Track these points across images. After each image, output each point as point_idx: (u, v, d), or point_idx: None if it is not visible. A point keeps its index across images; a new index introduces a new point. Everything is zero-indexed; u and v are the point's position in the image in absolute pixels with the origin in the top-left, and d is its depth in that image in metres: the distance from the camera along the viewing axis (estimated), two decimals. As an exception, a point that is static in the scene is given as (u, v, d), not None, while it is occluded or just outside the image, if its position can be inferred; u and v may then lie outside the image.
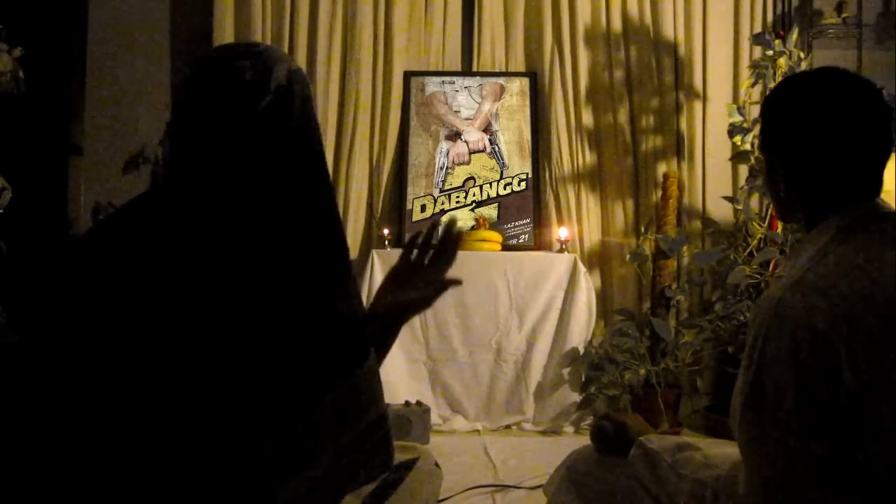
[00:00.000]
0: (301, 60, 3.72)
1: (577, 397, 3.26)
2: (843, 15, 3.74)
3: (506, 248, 3.55)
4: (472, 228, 3.61)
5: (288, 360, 1.05)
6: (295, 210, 1.11)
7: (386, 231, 3.58)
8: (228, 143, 1.10)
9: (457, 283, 1.29)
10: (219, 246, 1.08)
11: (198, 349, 1.03)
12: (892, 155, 1.18)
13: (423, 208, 3.69)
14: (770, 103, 1.22)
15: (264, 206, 1.10)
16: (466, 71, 3.86)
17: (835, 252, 1.09)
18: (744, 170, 3.55)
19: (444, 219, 1.34)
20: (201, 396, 1.02)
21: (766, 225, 3.36)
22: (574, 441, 2.95)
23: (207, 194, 1.10)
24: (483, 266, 3.38)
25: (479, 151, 3.76)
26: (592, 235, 3.77)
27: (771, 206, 3.38)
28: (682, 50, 3.81)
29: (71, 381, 1.05)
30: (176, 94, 1.14)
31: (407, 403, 3.04)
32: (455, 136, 3.77)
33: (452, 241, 1.29)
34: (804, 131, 1.15)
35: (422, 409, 3.02)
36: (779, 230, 3.27)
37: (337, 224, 1.17)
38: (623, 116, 3.79)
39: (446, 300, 3.34)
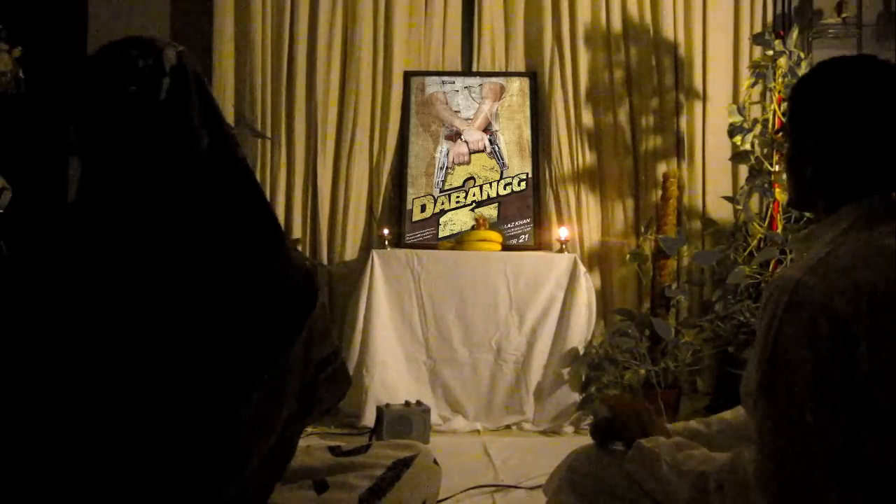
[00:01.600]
0: (301, 60, 3.72)
1: (577, 397, 3.26)
2: (843, 15, 3.73)
3: (506, 248, 3.55)
4: (473, 228, 3.61)
5: (246, 326, 1.10)
6: (212, 181, 1.15)
7: (386, 231, 3.58)
8: (141, 130, 1.13)
9: None
10: (156, 230, 1.11)
11: (154, 337, 1.07)
12: None
13: (423, 208, 3.69)
14: (807, 85, 1.22)
15: (182, 183, 1.13)
16: (466, 71, 3.86)
17: (855, 237, 1.10)
18: (744, 170, 3.55)
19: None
20: (169, 379, 1.06)
21: (766, 225, 3.36)
22: (574, 441, 2.95)
23: (133, 182, 1.13)
24: (483, 266, 3.38)
25: (479, 151, 3.76)
26: (592, 235, 3.76)
27: (771, 205, 3.38)
28: (682, 50, 3.81)
29: (26, 375, 1.08)
30: (74, 94, 1.15)
31: (407, 403, 3.04)
32: (455, 136, 3.77)
33: None
34: (842, 113, 1.16)
35: (422, 409, 3.02)
36: (779, 230, 3.27)
37: (254, 186, 1.22)
38: (623, 116, 3.79)
39: (446, 300, 3.35)
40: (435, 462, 1.48)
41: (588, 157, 3.78)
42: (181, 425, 1.06)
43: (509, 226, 3.68)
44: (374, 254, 3.39)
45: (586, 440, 1.53)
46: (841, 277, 1.03)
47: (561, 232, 3.56)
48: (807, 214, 3.15)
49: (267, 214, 1.20)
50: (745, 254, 3.30)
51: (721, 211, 3.71)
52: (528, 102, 3.79)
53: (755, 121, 3.35)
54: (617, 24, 3.79)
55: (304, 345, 1.15)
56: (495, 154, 3.76)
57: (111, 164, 1.15)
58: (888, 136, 1.15)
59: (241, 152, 1.24)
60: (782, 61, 3.34)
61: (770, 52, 3.38)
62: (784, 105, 3.33)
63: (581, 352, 3.30)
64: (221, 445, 1.07)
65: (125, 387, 1.06)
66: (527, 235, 3.68)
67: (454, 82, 3.81)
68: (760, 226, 3.36)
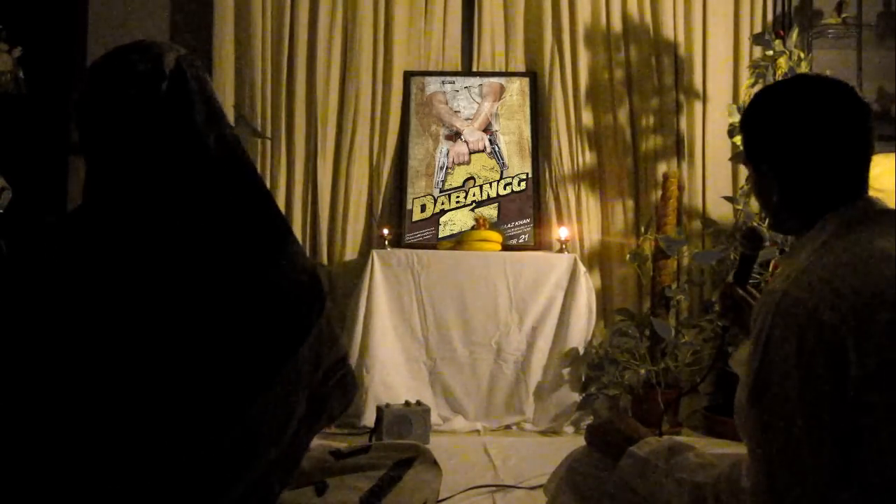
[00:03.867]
0: (301, 60, 3.72)
1: (577, 397, 3.26)
2: (843, 15, 3.74)
3: (506, 248, 3.55)
4: (473, 228, 3.61)
5: (256, 326, 1.10)
6: (218, 182, 1.16)
7: (386, 231, 3.58)
8: (142, 133, 1.14)
9: None
10: (163, 233, 1.12)
11: (165, 337, 1.07)
12: (894, 156, 1.19)
13: (423, 208, 3.69)
14: (751, 113, 1.24)
15: (194, 185, 1.14)
16: (466, 71, 3.86)
17: (837, 246, 1.10)
18: (744, 170, 3.54)
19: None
20: (180, 378, 1.06)
21: (765, 225, 3.36)
22: (574, 441, 2.94)
23: (137, 186, 1.14)
24: (483, 266, 3.38)
25: (479, 151, 3.76)
26: (592, 235, 3.76)
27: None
28: (682, 50, 3.81)
29: (34, 376, 1.09)
30: (77, 100, 1.17)
31: (407, 403, 3.04)
32: (455, 136, 3.77)
33: None
34: (791, 137, 1.17)
35: (422, 409, 3.02)
36: (779, 230, 3.27)
37: (260, 187, 1.23)
38: (623, 116, 3.79)
39: (446, 300, 3.35)
40: (435, 463, 1.48)
41: (588, 157, 3.78)
42: (187, 426, 1.06)
43: (509, 226, 3.68)
44: (374, 254, 3.39)
45: (586, 440, 1.54)
46: (825, 286, 1.03)
47: (561, 232, 3.56)
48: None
49: (273, 216, 1.21)
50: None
51: (721, 211, 3.71)
52: (528, 102, 3.79)
53: (755, 121, 3.34)
54: (617, 24, 3.79)
55: (313, 349, 1.16)
56: (495, 154, 3.76)
57: (114, 167, 1.16)
58: (842, 147, 1.16)
59: (246, 155, 1.24)
60: (782, 61, 3.34)
61: (770, 52, 3.38)
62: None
63: (581, 352, 3.30)
64: (228, 446, 1.07)
65: (131, 388, 1.06)
66: (527, 235, 3.68)
67: (454, 82, 3.81)
68: (760, 226, 3.35)
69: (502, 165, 3.75)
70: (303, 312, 1.16)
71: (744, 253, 1.58)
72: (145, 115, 1.14)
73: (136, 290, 1.09)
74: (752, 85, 3.49)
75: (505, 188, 3.72)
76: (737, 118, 3.32)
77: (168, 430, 1.06)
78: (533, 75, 3.83)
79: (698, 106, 3.79)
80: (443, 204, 3.70)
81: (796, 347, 1.01)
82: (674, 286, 3.45)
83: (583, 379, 3.25)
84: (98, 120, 1.17)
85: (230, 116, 3.49)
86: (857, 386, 0.99)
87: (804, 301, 1.03)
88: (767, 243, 1.57)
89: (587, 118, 3.78)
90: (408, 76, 3.79)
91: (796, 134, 1.16)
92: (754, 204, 3.58)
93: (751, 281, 3.20)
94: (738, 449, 1.24)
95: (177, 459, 1.05)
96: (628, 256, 3.56)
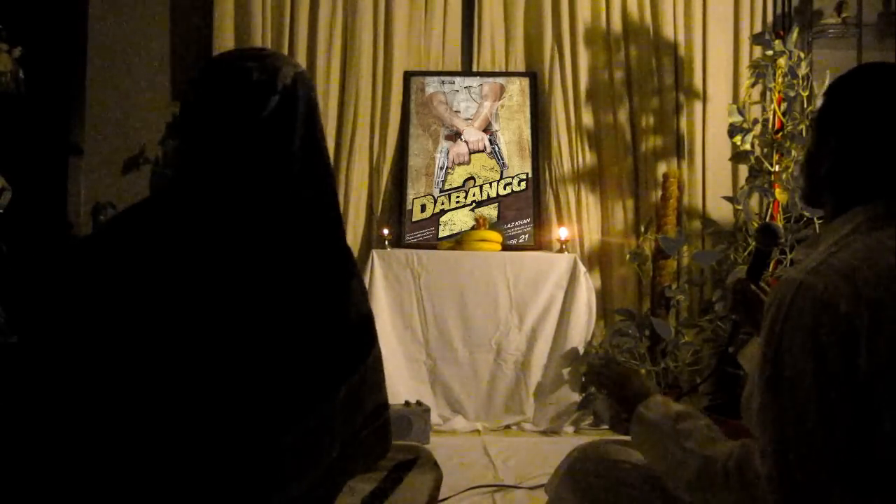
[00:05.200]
0: (301, 60, 3.72)
1: (577, 397, 3.27)
2: (843, 15, 3.74)
3: (506, 248, 3.55)
4: (473, 228, 3.61)
5: (303, 358, 1.08)
6: (302, 213, 1.13)
7: (386, 231, 3.58)
8: (238, 143, 1.12)
9: None
10: (231, 248, 1.09)
11: (213, 352, 1.05)
12: None
13: (423, 208, 3.69)
14: (842, 83, 1.23)
15: (272, 208, 1.12)
16: (466, 71, 3.86)
17: (859, 240, 1.10)
18: (744, 170, 3.55)
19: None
20: (218, 395, 1.04)
21: (768, 219, 3.36)
22: (574, 441, 2.94)
23: (217, 195, 1.12)
24: (483, 266, 3.39)
25: (479, 151, 3.77)
26: (592, 235, 3.77)
27: (771, 205, 3.38)
28: (682, 50, 3.81)
29: (75, 380, 1.06)
30: (185, 95, 1.15)
31: (407, 403, 3.04)
32: (455, 136, 3.77)
33: None
34: (868, 116, 1.16)
35: (422, 409, 3.02)
36: (779, 230, 3.27)
37: (339, 224, 1.21)
38: (623, 116, 3.79)
39: (446, 300, 3.35)
40: (436, 465, 1.48)
41: (588, 157, 3.79)
42: (216, 444, 1.04)
43: (509, 226, 3.68)
44: (375, 254, 3.39)
45: (586, 440, 1.54)
46: (842, 278, 1.04)
47: (561, 232, 3.57)
48: (806, 215, 3.15)
49: (341, 253, 1.19)
50: (745, 254, 3.30)
51: (721, 211, 3.72)
52: (528, 102, 3.79)
53: (755, 121, 3.35)
54: (617, 24, 3.79)
55: (354, 392, 1.13)
56: (495, 154, 3.76)
57: (203, 168, 1.13)
58: None
59: (332, 186, 1.22)
60: (782, 61, 3.34)
61: (770, 52, 3.38)
62: (784, 105, 3.34)
63: (581, 352, 3.30)
64: (251, 474, 1.05)
65: (160, 403, 1.04)
66: (527, 235, 3.68)
67: (454, 82, 3.81)
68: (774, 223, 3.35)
69: (502, 165, 3.75)
70: (349, 354, 1.14)
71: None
72: (245, 125, 1.11)
73: (190, 297, 1.06)
74: (752, 85, 3.49)
75: (505, 188, 3.72)
76: (737, 118, 3.32)
77: (195, 447, 1.04)
78: (533, 75, 3.83)
79: (698, 106, 3.80)
80: (443, 204, 3.70)
81: (811, 336, 1.02)
82: (674, 286, 3.45)
83: (583, 379, 3.25)
84: (199, 116, 1.14)
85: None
86: (867, 378, 0.99)
87: (821, 290, 1.03)
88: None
89: (587, 118, 3.78)
90: (408, 76, 3.79)
91: (879, 116, 1.16)
92: (754, 204, 3.58)
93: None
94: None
95: (203, 477, 1.03)
96: (628, 256, 3.57)
